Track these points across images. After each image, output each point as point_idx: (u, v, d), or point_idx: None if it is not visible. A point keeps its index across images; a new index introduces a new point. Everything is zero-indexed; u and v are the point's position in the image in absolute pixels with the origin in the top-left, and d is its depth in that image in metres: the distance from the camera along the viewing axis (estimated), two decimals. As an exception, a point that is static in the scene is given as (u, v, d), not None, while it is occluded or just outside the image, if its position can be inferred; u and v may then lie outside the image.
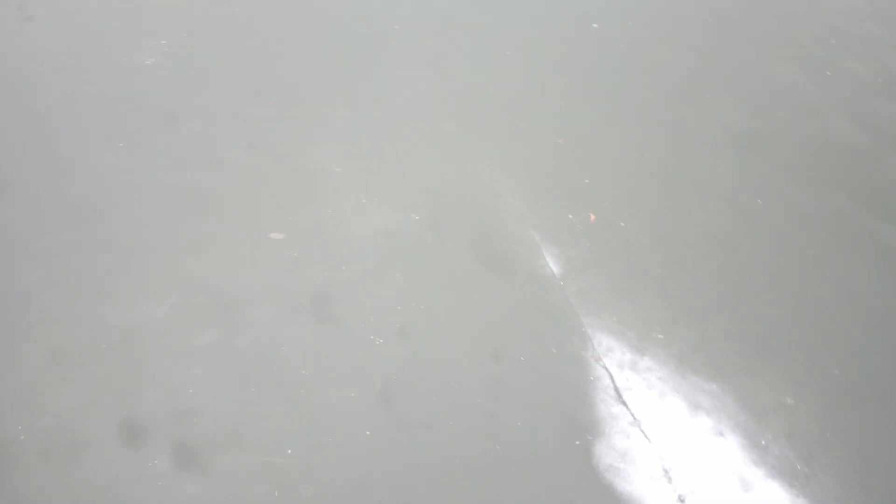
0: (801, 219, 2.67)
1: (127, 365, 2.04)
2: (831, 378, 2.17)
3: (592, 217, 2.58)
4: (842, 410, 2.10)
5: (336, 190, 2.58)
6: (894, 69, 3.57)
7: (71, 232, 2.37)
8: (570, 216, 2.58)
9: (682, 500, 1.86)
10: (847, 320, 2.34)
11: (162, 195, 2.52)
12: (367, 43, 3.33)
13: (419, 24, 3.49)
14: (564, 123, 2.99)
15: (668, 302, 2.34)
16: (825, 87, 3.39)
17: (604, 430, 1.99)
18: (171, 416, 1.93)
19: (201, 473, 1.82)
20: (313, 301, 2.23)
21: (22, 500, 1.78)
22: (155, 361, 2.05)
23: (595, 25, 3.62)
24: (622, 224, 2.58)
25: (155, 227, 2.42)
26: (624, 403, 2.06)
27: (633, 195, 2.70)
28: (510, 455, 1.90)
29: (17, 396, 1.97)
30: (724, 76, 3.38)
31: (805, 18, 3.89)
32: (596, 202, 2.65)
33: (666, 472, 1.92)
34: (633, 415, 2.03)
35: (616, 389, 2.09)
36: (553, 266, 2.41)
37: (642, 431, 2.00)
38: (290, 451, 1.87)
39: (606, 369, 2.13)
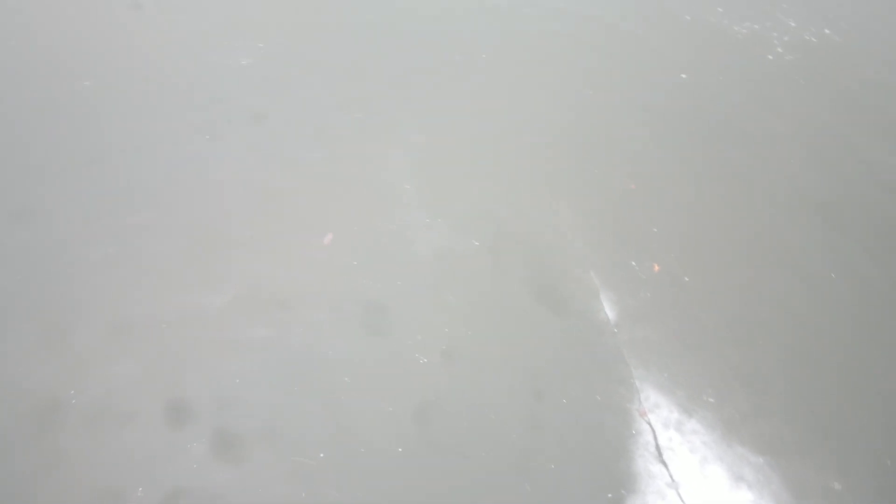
0: (875, 298, 2.54)
1: (181, 348, 2.12)
2: (884, 469, 2.04)
3: (656, 267, 2.52)
4: (898, 508, 1.96)
5: (403, 206, 2.62)
6: None
7: (147, 213, 2.49)
8: (634, 263, 2.54)
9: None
10: (917, 414, 2.20)
11: (237, 190, 2.62)
12: (453, 68, 3.39)
13: (506, 55, 3.54)
14: (639, 169, 2.96)
15: (725, 366, 2.25)
16: (921, 166, 3.23)
17: (639, 486, 1.92)
18: (215, 402, 1.98)
19: (234, 464, 1.86)
20: (365, 310, 2.26)
21: (64, 461, 1.86)
22: (208, 348, 2.12)
23: (684, 76, 3.58)
24: (686, 279, 2.51)
25: (226, 219, 2.51)
26: (664, 463, 1.99)
27: (702, 250, 2.63)
28: (539, 496, 1.86)
29: (75, 361, 2.07)
30: (808, 142, 3.27)
31: (906, 92, 3.73)
32: (662, 253, 2.59)
33: (699, 542, 1.84)
34: (671, 476, 1.96)
35: (657, 447, 2.02)
36: (609, 312, 2.36)
37: (679, 495, 1.92)
38: (321, 455, 1.89)
39: (650, 425, 2.07)
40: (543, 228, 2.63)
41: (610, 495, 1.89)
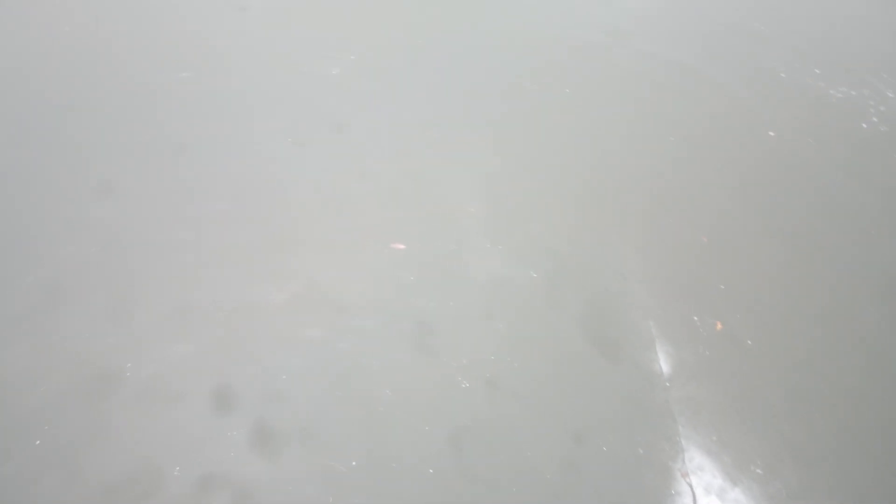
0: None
1: (236, 337, 2.18)
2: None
3: (719, 325, 2.44)
4: None
5: (465, 228, 2.64)
6: None
7: (223, 204, 2.60)
8: (695, 318, 2.46)
9: None
10: None
11: (310, 193, 2.70)
12: (535, 99, 3.41)
13: (590, 93, 3.53)
14: (713, 222, 2.88)
15: (778, 438, 2.15)
16: None
17: (672, 551, 1.84)
18: (260, 395, 2.03)
19: (268, 458, 1.89)
20: (415, 326, 2.27)
21: (110, 430, 1.94)
22: (261, 341, 2.18)
23: (772, 133, 3.48)
24: (749, 342, 2.41)
25: (296, 219, 2.59)
26: (701, 530, 1.90)
27: (768, 315, 2.53)
28: (565, 543, 1.81)
29: (135, 337, 2.16)
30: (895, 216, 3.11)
31: None
32: (726, 312, 2.50)
33: None
34: (708, 546, 1.87)
35: (696, 512, 1.93)
36: (663, 364, 2.29)
37: (714, 567, 1.83)
38: (353, 463, 1.89)
39: (691, 488, 1.98)
40: (605, 269, 2.59)
41: (640, 554, 1.82)
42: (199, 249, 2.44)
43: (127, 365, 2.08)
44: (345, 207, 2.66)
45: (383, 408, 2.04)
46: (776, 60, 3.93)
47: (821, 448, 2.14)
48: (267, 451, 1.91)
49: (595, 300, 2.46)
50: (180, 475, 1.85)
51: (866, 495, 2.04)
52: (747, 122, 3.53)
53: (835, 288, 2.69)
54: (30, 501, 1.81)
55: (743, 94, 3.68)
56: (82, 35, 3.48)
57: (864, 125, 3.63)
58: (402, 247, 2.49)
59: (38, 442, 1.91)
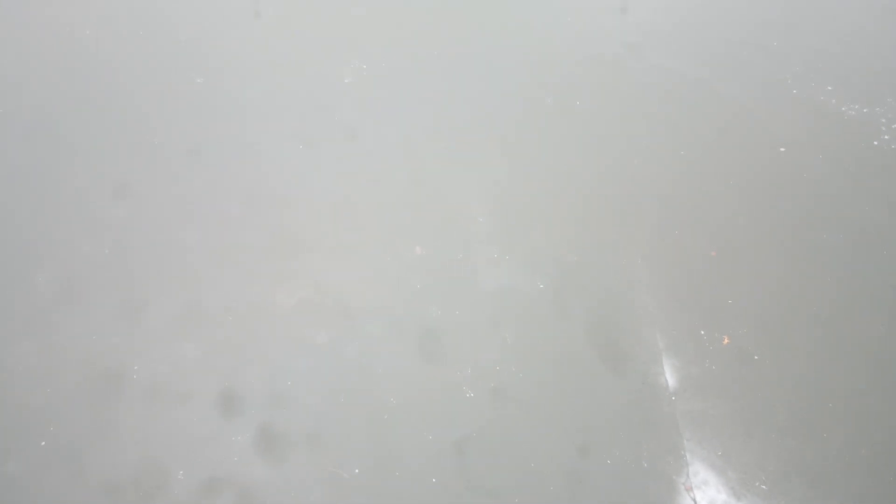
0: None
1: (244, 340, 2.20)
2: None
3: (726, 340, 2.43)
4: None
5: (474, 238, 2.64)
6: None
7: (235, 208, 2.62)
8: (703, 332, 2.45)
9: None
10: None
11: (321, 198, 2.71)
12: (546, 110, 3.42)
13: (602, 105, 3.54)
14: (723, 237, 2.87)
15: (784, 454, 2.13)
16: None
17: (675, 565, 1.83)
18: (266, 398, 2.04)
19: (272, 463, 1.89)
20: (421, 333, 2.27)
21: (116, 430, 1.95)
22: (268, 344, 2.19)
23: (783, 149, 3.47)
24: (756, 357, 2.40)
25: (307, 224, 2.60)
26: (705, 546, 1.89)
27: (777, 331, 2.51)
28: (568, 555, 1.80)
29: (144, 337, 2.18)
30: (913, 236, 3.09)
31: None
32: (734, 326, 2.49)
33: None
34: (711, 561, 1.86)
35: (700, 528, 1.92)
36: (670, 378, 2.28)
37: (717, 583, 1.82)
38: (357, 470, 1.90)
39: (695, 502, 1.97)
40: (612, 281, 2.58)
41: (642, 568, 1.80)
42: (208, 252, 2.46)
43: (134, 367, 2.10)
44: (354, 214, 2.68)
45: (388, 415, 2.04)
46: (788, 76, 3.92)
47: (827, 465, 2.13)
48: (272, 456, 1.91)
49: (602, 312, 2.46)
50: (184, 478, 1.85)
51: (873, 515, 2.02)
52: (758, 138, 3.52)
53: (843, 304, 2.67)
54: (34, 500, 1.82)
55: (755, 110, 3.67)
56: (99, 40, 3.53)
57: (875, 142, 3.61)
58: (420, 251, 2.50)
59: (43, 443, 1.93)
